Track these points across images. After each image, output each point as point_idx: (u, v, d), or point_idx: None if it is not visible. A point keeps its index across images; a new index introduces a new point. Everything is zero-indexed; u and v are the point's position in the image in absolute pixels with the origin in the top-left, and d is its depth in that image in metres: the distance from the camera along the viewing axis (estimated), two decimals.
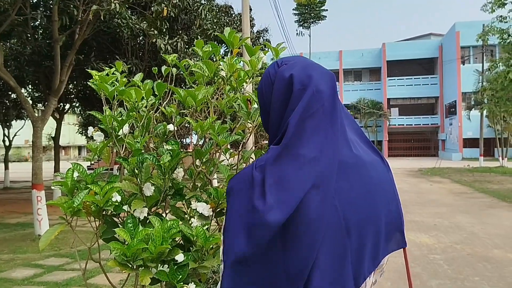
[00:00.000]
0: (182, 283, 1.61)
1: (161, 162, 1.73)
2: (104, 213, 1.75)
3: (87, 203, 1.62)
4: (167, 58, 2.13)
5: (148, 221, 1.75)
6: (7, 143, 18.64)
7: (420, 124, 43.92)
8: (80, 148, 56.99)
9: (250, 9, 13.46)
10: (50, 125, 12.09)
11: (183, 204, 1.94)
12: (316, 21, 45.21)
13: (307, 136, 0.99)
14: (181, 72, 2.13)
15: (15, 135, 18.87)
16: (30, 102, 14.11)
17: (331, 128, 1.02)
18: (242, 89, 2.09)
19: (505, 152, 29.20)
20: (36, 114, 8.36)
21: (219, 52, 2.09)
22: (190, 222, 1.80)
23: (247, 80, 2.07)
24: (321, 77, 1.06)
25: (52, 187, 1.79)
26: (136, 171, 1.78)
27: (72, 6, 7.89)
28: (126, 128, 1.93)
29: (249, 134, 2.04)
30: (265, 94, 1.12)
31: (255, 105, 1.96)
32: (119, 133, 1.91)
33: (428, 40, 45.80)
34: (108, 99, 1.92)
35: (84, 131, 19.48)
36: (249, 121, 1.97)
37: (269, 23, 31.32)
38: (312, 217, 0.95)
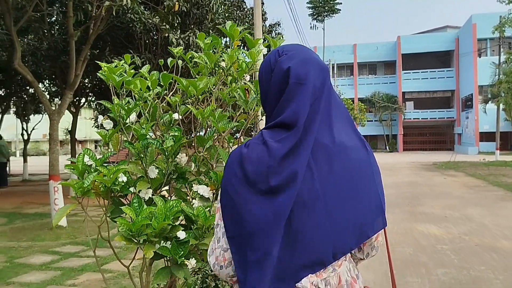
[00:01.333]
0: (183, 258, 1.75)
1: (164, 146, 1.86)
2: (112, 194, 1.89)
3: (96, 183, 1.76)
4: (173, 50, 2.26)
5: (153, 202, 1.89)
6: (25, 137, 19.06)
7: (435, 118, 43.44)
8: (96, 142, 57.75)
9: (262, 3, 13.53)
10: (66, 120, 12.37)
11: (186, 187, 2.08)
12: (330, 15, 45.03)
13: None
14: (188, 64, 2.25)
15: (33, 129, 19.26)
16: (47, 96, 14.45)
17: (318, 117, 1.13)
18: (243, 79, 2.20)
19: None
20: (53, 108, 8.57)
21: (221, 44, 2.20)
22: (192, 204, 1.93)
23: (247, 71, 2.19)
24: (316, 73, 1.16)
25: (65, 170, 1.92)
26: (142, 155, 1.92)
27: (86, 2, 8.08)
28: (133, 116, 2.07)
29: (246, 122, 2.15)
30: (265, 79, 1.22)
31: (253, 95, 2.08)
32: (126, 121, 2.05)
33: (444, 32, 45.17)
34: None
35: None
36: (248, 108, 2.08)
37: (282, 16, 31.31)
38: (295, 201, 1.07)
